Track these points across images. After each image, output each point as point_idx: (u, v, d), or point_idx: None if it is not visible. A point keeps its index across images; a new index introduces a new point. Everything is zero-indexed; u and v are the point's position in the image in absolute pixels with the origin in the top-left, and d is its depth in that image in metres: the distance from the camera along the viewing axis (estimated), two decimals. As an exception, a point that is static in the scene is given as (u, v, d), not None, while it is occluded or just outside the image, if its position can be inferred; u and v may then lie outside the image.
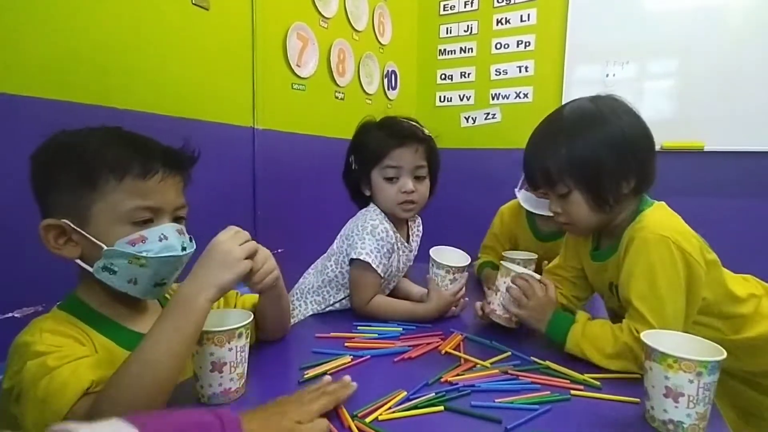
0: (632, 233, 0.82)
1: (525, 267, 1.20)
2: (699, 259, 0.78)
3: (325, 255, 1.16)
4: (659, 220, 0.81)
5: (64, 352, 0.57)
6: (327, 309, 1.11)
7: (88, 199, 0.61)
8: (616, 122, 0.82)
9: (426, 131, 1.10)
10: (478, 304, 0.98)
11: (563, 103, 2.36)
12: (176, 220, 0.68)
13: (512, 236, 1.47)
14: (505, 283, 0.91)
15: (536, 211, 1.36)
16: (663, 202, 0.88)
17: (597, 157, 0.81)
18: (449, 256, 1.05)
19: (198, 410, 0.55)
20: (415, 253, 1.23)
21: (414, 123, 1.11)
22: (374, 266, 1.01)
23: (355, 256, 1.02)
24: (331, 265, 1.11)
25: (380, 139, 1.06)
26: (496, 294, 0.92)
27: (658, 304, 0.76)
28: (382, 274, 1.04)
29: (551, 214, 1.34)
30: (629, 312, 0.79)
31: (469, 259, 1.04)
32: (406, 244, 1.13)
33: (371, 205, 1.11)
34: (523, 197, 1.39)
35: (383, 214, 1.08)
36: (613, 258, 0.88)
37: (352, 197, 1.17)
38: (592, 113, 0.84)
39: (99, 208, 0.62)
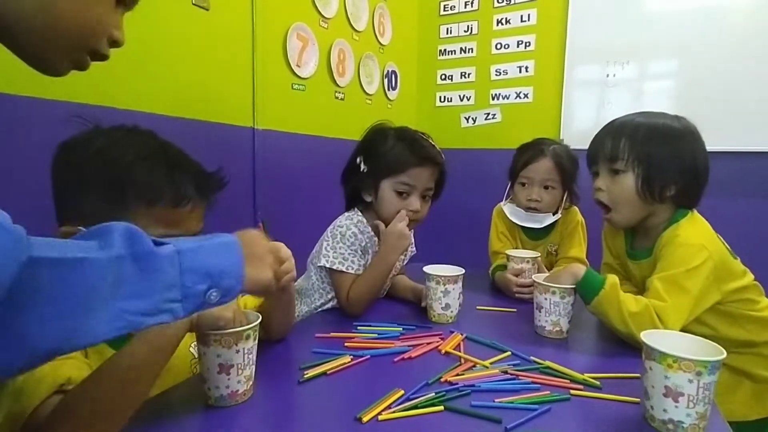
0: (666, 240, 0.93)
1: (531, 265, 1.21)
2: (718, 270, 0.88)
3: (310, 257, 1.16)
4: (692, 232, 0.92)
5: None
6: (315, 311, 1.11)
7: (113, 217, 0.58)
8: (691, 141, 0.96)
9: (442, 154, 1.10)
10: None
11: (563, 102, 2.35)
12: None
13: (514, 232, 1.46)
14: (546, 299, 0.92)
15: (522, 224, 1.38)
16: (696, 213, 0.97)
17: (664, 154, 0.93)
18: (442, 271, 1.03)
19: None
20: (411, 252, 1.23)
21: (431, 142, 1.09)
22: (347, 271, 1.04)
23: (322, 264, 1.04)
24: (314, 269, 1.12)
25: (401, 152, 1.05)
26: (539, 311, 0.94)
27: (677, 289, 0.86)
28: (359, 273, 1.06)
29: (538, 226, 1.39)
30: (645, 294, 0.88)
31: (462, 271, 1.02)
32: None
33: (353, 209, 1.11)
34: (510, 210, 1.40)
35: (358, 217, 1.09)
36: (647, 261, 0.98)
37: (348, 200, 1.15)
38: (674, 127, 0.96)
39: None
